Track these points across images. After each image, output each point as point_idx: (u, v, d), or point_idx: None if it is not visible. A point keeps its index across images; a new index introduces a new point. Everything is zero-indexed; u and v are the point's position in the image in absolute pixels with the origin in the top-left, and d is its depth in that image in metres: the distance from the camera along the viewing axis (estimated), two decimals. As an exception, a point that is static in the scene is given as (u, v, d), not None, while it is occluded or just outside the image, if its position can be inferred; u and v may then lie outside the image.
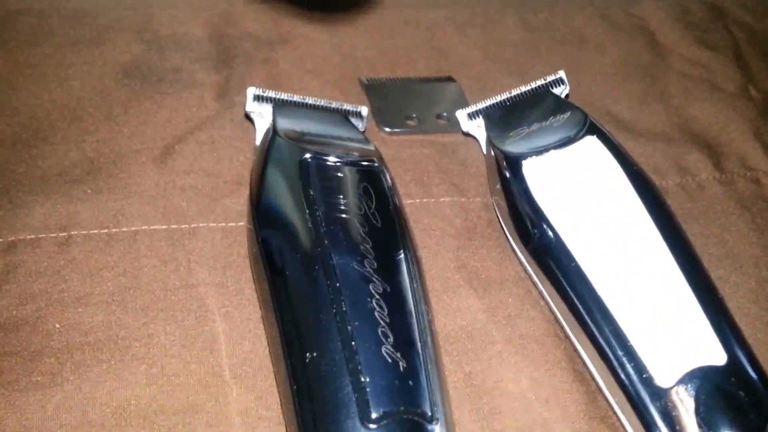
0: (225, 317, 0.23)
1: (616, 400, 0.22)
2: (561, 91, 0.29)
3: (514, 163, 0.26)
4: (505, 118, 0.28)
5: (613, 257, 0.23)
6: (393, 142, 0.30)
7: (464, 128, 0.30)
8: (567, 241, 0.23)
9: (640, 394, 0.21)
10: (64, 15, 0.31)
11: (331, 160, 0.24)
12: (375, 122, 0.31)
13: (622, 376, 0.21)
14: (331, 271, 0.21)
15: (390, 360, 0.20)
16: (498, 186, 0.26)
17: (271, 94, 0.27)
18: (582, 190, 0.25)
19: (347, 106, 0.28)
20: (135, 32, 0.31)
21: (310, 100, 0.27)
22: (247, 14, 0.34)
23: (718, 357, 0.21)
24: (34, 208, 0.25)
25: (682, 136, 0.33)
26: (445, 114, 0.32)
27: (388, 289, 0.21)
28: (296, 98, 0.27)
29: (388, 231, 0.23)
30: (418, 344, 0.20)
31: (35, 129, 0.28)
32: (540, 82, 0.29)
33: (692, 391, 0.21)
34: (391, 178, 0.25)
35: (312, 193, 0.23)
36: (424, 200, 0.28)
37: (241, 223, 0.26)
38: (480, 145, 0.30)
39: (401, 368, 0.20)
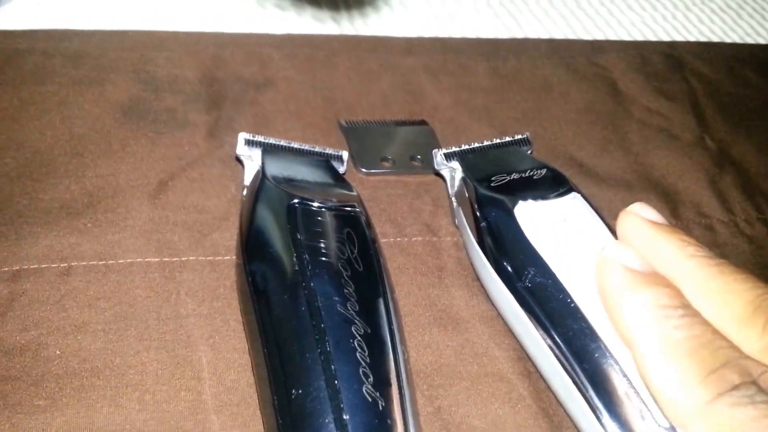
0: (212, 347, 0.25)
1: None
2: (527, 149, 0.32)
3: (504, 205, 0.27)
4: (481, 163, 0.31)
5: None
6: (369, 182, 0.33)
7: (438, 167, 0.32)
8: (563, 282, 0.25)
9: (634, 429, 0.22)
10: (67, 55, 0.34)
11: (316, 205, 0.26)
12: (353, 163, 0.33)
13: (619, 414, 0.22)
14: (316, 312, 0.23)
15: (370, 399, 0.21)
16: (479, 225, 0.28)
17: (260, 138, 0.29)
18: (571, 237, 0.26)
19: (329, 150, 0.31)
20: (132, 73, 0.34)
21: (295, 145, 0.30)
22: (236, 57, 0.36)
23: None
24: (37, 239, 0.27)
25: (641, 182, 0.35)
26: (419, 156, 0.34)
27: (369, 331, 0.23)
28: (283, 143, 0.30)
29: (369, 275, 0.25)
30: (396, 384, 0.22)
31: (38, 163, 0.30)
32: (512, 138, 0.32)
33: None
34: (371, 222, 0.27)
35: (299, 236, 0.25)
36: (398, 239, 0.30)
37: (228, 257, 0.28)
38: (447, 185, 0.32)
39: (380, 407, 0.21)
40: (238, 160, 0.30)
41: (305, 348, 0.22)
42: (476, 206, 0.29)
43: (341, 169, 0.31)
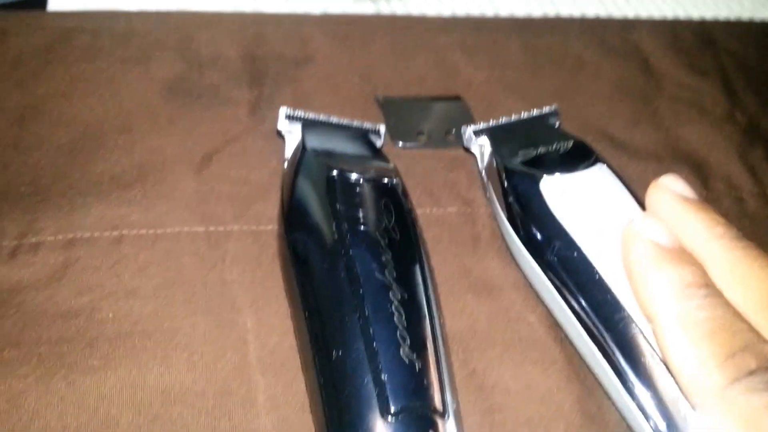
0: (255, 312, 0.26)
1: (635, 402, 0.23)
2: (555, 122, 0.32)
3: (530, 179, 0.28)
4: (509, 138, 0.31)
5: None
6: (406, 155, 0.33)
7: (467, 144, 0.32)
8: (588, 254, 0.26)
9: (666, 397, 0.23)
10: (114, 34, 0.35)
11: (354, 176, 0.27)
12: (389, 137, 0.34)
13: (644, 379, 0.23)
14: (355, 279, 0.24)
15: (407, 360, 0.22)
16: (507, 200, 0.29)
17: (301, 113, 0.30)
18: (597, 209, 0.27)
19: (367, 125, 0.31)
20: (177, 51, 0.35)
21: (334, 120, 0.31)
22: (276, 36, 0.37)
23: None
24: (90, 209, 0.29)
25: (672, 156, 0.35)
26: (453, 131, 0.35)
27: (405, 297, 0.24)
28: (322, 117, 0.31)
29: (406, 243, 0.26)
30: (431, 347, 0.23)
31: (89, 138, 0.31)
32: (540, 112, 0.32)
33: None
34: (407, 193, 0.28)
35: (338, 206, 0.26)
36: (434, 210, 0.31)
37: (270, 227, 0.29)
38: (477, 161, 0.32)
39: (417, 368, 0.22)
40: (279, 134, 0.31)
41: (345, 313, 0.23)
42: (504, 181, 0.29)
43: (378, 143, 0.32)
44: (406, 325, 0.23)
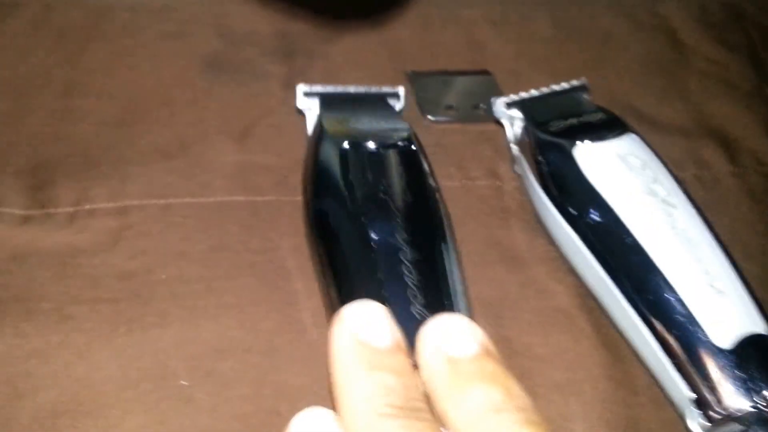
0: (301, 275, 0.28)
1: (671, 361, 0.24)
2: (584, 95, 0.33)
3: (564, 148, 0.29)
4: (540, 110, 0.32)
5: (663, 235, 0.26)
6: (435, 129, 0.34)
7: (497, 115, 0.33)
8: (623, 218, 0.27)
9: (701, 355, 0.24)
10: (152, 9, 0.36)
11: (367, 145, 0.28)
12: (419, 111, 0.35)
13: (680, 338, 0.24)
14: (368, 243, 0.25)
15: (418, 317, 0.23)
16: (541, 169, 0.29)
17: (318, 89, 0.31)
18: (629, 176, 0.28)
19: (385, 89, 0.32)
20: (213, 27, 0.36)
21: (351, 89, 0.31)
22: (306, 12, 0.38)
23: (761, 326, 0.24)
24: (138, 178, 0.30)
25: (699, 130, 0.36)
26: (481, 104, 0.36)
27: (417, 256, 0.25)
28: (339, 89, 0.31)
29: (419, 205, 0.27)
30: (446, 304, 0.24)
31: (133, 111, 0.32)
32: (570, 85, 0.33)
33: (751, 354, 0.23)
34: (423, 155, 0.29)
35: (350, 176, 0.27)
36: (464, 182, 0.32)
37: (307, 197, 0.31)
38: (507, 133, 0.33)
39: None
40: (301, 112, 0.32)
41: (360, 274, 0.25)
42: (537, 151, 0.30)
43: (398, 106, 0.32)
44: (417, 284, 0.24)
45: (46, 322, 0.25)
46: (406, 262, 0.25)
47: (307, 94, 0.31)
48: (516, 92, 0.33)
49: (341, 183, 0.27)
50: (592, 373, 0.27)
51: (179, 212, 0.29)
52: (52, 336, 0.25)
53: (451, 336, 0.19)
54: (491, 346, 0.20)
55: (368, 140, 0.28)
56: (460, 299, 0.25)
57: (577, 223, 0.28)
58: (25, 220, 0.28)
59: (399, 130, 0.30)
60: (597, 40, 0.40)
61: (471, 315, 0.25)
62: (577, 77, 0.37)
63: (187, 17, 0.36)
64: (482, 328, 0.21)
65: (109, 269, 0.27)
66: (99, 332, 0.25)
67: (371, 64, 0.37)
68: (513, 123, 0.33)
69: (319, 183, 0.28)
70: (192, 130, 0.32)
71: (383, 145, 0.28)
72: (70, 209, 0.29)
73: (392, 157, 0.28)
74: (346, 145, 0.28)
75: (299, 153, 0.32)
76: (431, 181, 0.28)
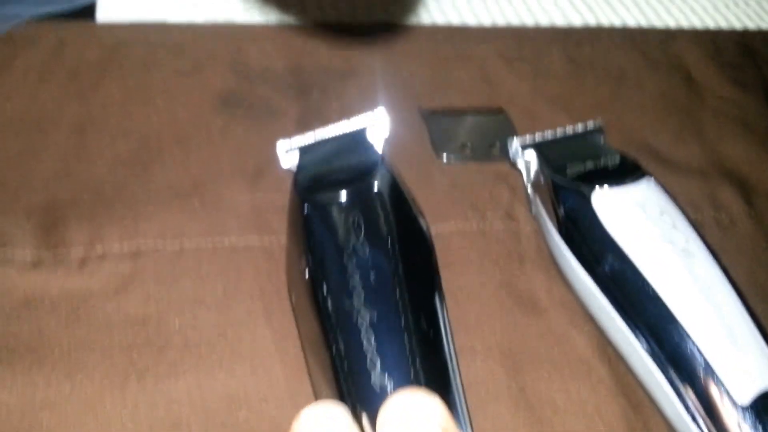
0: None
1: (689, 414, 0.24)
2: (599, 137, 0.33)
3: (581, 194, 0.29)
4: (555, 152, 0.32)
5: (682, 285, 0.26)
6: (450, 169, 0.34)
7: (514, 157, 0.33)
8: (641, 267, 0.26)
9: (719, 409, 0.23)
10: (168, 46, 0.36)
11: (327, 200, 0.26)
12: (433, 150, 0.35)
13: (699, 391, 0.24)
14: (326, 311, 0.24)
15: (377, 389, 0.22)
16: (558, 214, 0.29)
17: (297, 142, 0.30)
18: (647, 224, 0.28)
19: (365, 119, 0.30)
20: (228, 63, 0.36)
21: (328, 133, 0.30)
22: (321, 49, 0.38)
23: None
24: (152, 219, 0.30)
25: (715, 171, 0.36)
26: (497, 143, 0.35)
27: (376, 317, 0.23)
28: (317, 135, 0.30)
29: (377, 256, 0.24)
30: (413, 368, 0.22)
31: (147, 150, 0.32)
32: (585, 127, 0.33)
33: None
34: (390, 192, 0.27)
35: (311, 240, 0.25)
36: (480, 224, 0.32)
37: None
38: (523, 175, 0.33)
39: (388, 392, 0.21)
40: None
41: (323, 342, 0.23)
42: (553, 195, 0.30)
43: (384, 132, 0.30)
44: (376, 348, 0.22)
45: (56, 371, 0.25)
46: (366, 323, 0.23)
47: (288, 151, 0.30)
48: (531, 131, 0.33)
49: (303, 247, 0.25)
50: (611, 423, 0.26)
51: (193, 255, 0.29)
52: (63, 385, 0.25)
53: (411, 419, 0.19)
54: (452, 428, 0.19)
55: (330, 192, 0.26)
56: (441, 354, 0.23)
57: (594, 270, 0.27)
58: (36, 263, 0.28)
59: (367, 169, 0.27)
60: (611, 77, 0.39)
61: (453, 369, 0.24)
62: (591, 115, 0.37)
63: (203, 53, 0.36)
64: (442, 404, 0.20)
65: (122, 315, 0.27)
66: (110, 382, 0.25)
67: (385, 101, 0.36)
68: (529, 165, 0.32)
69: (290, 244, 0.27)
70: (206, 169, 0.32)
71: (344, 199, 0.26)
72: (82, 251, 0.28)
73: (353, 205, 0.26)
74: (307, 206, 0.26)
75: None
76: (417, 225, 0.26)
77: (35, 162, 0.31)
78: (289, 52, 0.37)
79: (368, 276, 0.24)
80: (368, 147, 0.29)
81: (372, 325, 0.23)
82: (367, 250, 0.24)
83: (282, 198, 0.31)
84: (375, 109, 0.30)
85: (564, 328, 0.29)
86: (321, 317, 0.24)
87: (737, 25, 0.45)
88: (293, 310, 0.27)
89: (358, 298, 0.23)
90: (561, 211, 0.29)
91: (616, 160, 0.31)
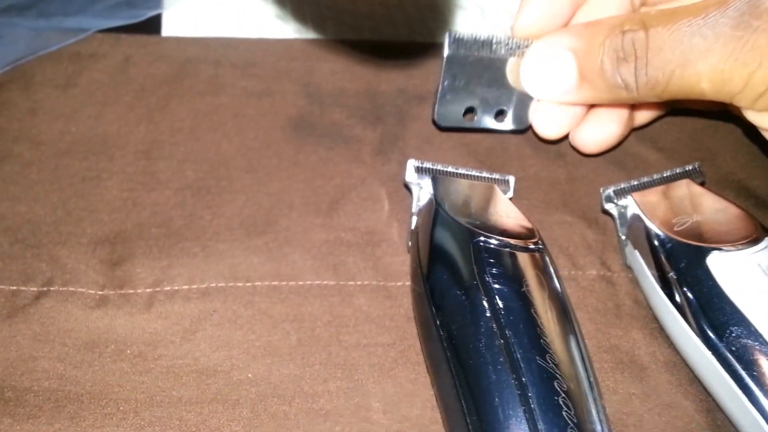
0: (393, 378, 0.25)
1: None
2: (698, 180, 0.30)
3: (696, 256, 0.26)
4: (654, 200, 0.29)
5: None
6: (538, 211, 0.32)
7: (606, 206, 0.30)
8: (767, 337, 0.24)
9: None
10: (235, 64, 0.34)
11: (499, 243, 0.25)
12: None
13: None
14: (515, 365, 0.22)
15: None
16: (664, 272, 0.27)
17: (429, 165, 0.29)
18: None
19: (496, 176, 0.30)
20: (299, 84, 0.34)
21: (463, 170, 0.29)
22: (396, 69, 0.35)
23: None
24: (222, 256, 0.28)
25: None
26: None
27: (572, 386, 0.22)
28: (451, 169, 0.29)
29: (562, 321, 0.24)
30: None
31: (216, 177, 0.30)
32: (683, 169, 0.30)
33: None
34: (552, 259, 0.26)
35: (486, 278, 0.24)
36: (572, 272, 0.29)
37: (400, 283, 0.28)
38: (617, 224, 0.30)
39: None
40: (407, 186, 0.30)
41: (507, 403, 0.21)
42: (660, 252, 0.27)
43: (508, 194, 0.30)
44: (576, 420, 0.21)
45: (122, 428, 0.23)
46: (563, 393, 0.22)
47: (418, 170, 0.28)
48: (622, 169, 0.30)
49: (476, 284, 0.24)
50: None
51: (265, 297, 0.27)
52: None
53: None
54: None
55: (497, 235, 0.25)
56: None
57: (714, 343, 0.25)
58: (101, 302, 0.26)
59: (524, 225, 0.27)
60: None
61: None
62: (684, 151, 0.34)
63: (272, 73, 0.34)
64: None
65: (191, 363, 0.25)
66: (181, 442, 0.23)
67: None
68: (625, 212, 0.30)
69: (443, 277, 0.25)
70: (277, 200, 0.30)
71: (517, 247, 0.25)
72: (149, 290, 0.27)
73: (527, 260, 0.25)
74: (479, 240, 0.25)
75: (392, 232, 0.30)
76: (563, 288, 0.26)
77: (101, 189, 0.29)
78: (362, 72, 0.35)
79: (557, 337, 0.23)
80: (502, 195, 0.29)
81: (568, 393, 0.22)
82: (552, 309, 0.24)
83: (357, 237, 0.29)
84: (507, 176, 0.30)
85: (671, 392, 0.26)
86: (510, 368, 0.22)
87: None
88: (433, 348, 0.24)
89: (552, 361, 0.22)
90: (668, 269, 0.27)
91: (729, 214, 0.28)
